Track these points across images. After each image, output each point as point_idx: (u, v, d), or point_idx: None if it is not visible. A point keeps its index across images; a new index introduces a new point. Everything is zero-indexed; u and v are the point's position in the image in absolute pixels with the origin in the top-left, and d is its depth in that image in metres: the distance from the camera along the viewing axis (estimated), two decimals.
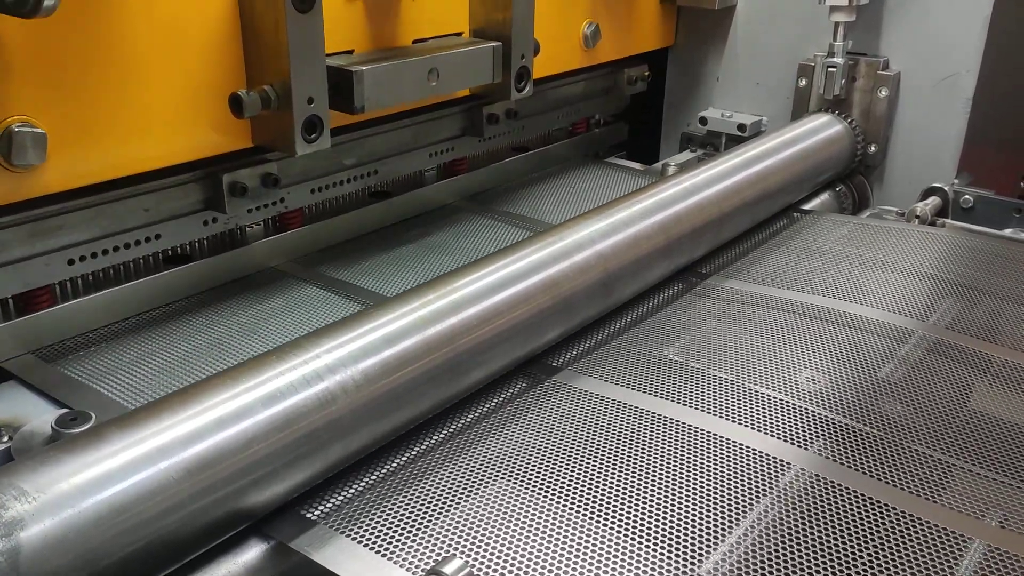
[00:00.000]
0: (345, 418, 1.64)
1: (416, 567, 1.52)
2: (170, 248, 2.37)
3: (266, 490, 1.54)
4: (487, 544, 1.57)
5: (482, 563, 1.52)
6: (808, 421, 1.98)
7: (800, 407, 2.03)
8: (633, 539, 1.60)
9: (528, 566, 1.52)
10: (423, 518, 1.64)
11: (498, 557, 1.54)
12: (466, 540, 1.58)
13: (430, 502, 1.68)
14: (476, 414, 1.99)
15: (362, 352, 1.72)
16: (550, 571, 1.51)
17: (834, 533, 1.64)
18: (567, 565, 1.52)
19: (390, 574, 1.50)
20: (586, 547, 1.57)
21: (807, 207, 3.36)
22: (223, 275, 2.51)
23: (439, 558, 1.51)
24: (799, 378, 2.15)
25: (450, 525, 1.62)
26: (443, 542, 1.57)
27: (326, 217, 2.79)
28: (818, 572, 1.54)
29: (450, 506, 1.67)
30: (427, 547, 1.56)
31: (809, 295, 2.58)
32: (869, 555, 1.59)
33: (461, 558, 1.42)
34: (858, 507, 1.71)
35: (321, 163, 2.67)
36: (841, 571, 1.55)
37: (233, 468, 1.49)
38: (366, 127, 2.73)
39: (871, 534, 1.64)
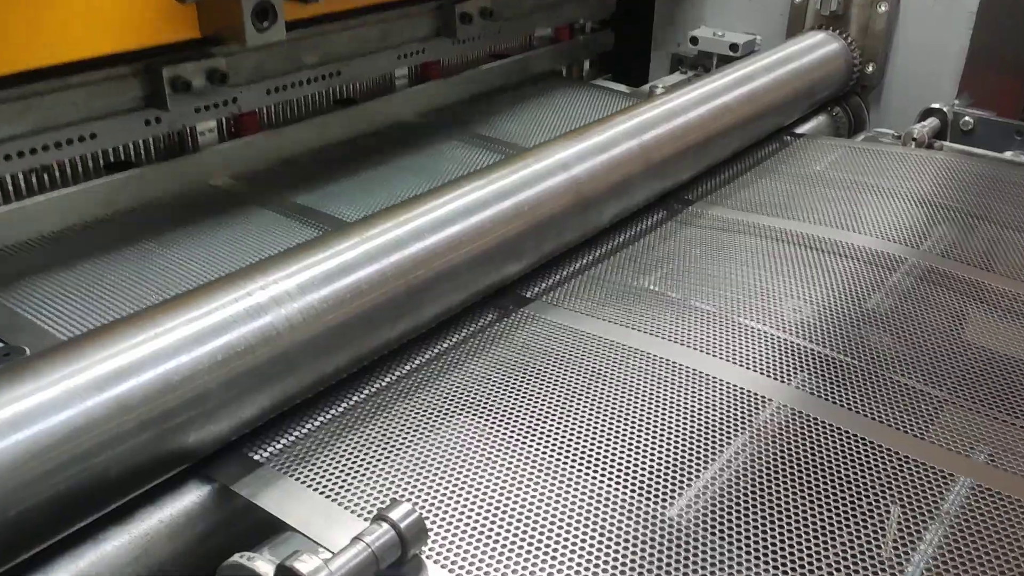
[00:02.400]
0: (290, 354, 1.53)
1: (367, 512, 1.42)
2: (112, 152, 2.21)
3: (204, 429, 1.44)
4: (443, 486, 1.48)
5: (437, 507, 1.43)
6: (790, 354, 1.87)
7: (782, 339, 1.92)
8: (600, 479, 1.50)
9: (487, 508, 1.43)
10: (376, 459, 1.54)
11: (455, 500, 1.45)
12: (421, 482, 1.49)
13: (385, 442, 1.58)
14: (439, 348, 1.89)
15: (311, 283, 1.60)
16: (510, 513, 1.42)
17: (814, 471, 1.55)
18: (529, 507, 1.43)
19: (339, 519, 1.41)
20: (550, 487, 1.48)
21: (800, 131, 3.21)
22: (171, 184, 2.34)
23: (390, 501, 1.42)
24: (783, 309, 2.04)
25: (405, 466, 1.52)
26: (397, 485, 1.48)
27: (286, 124, 2.62)
28: (796, 513, 1.45)
29: (406, 446, 1.57)
30: (380, 490, 1.47)
31: (798, 222, 2.46)
32: (851, 494, 1.50)
33: (409, 503, 1.32)
34: (840, 444, 1.62)
35: (277, 60, 2.47)
36: (821, 511, 1.46)
37: (168, 405, 1.39)
38: (327, 22, 2.53)
39: (853, 472, 1.55)
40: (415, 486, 1.48)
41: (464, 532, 1.39)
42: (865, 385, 1.79)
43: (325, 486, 1.48)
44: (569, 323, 1.97)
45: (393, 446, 1.57)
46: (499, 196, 1.96)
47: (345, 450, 1.56)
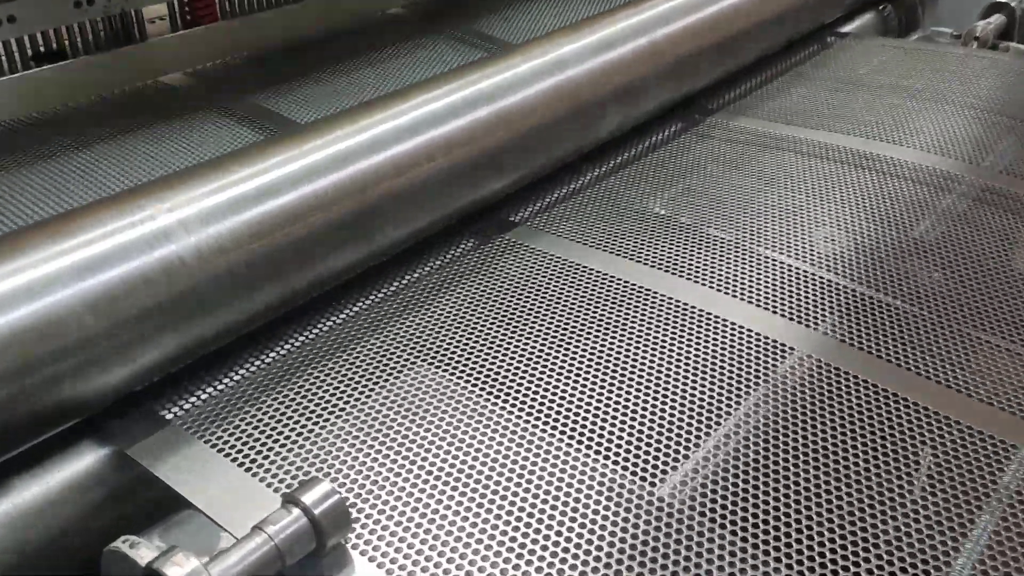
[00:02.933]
0: (201, 290, 1.26)
1: (292, 487, 1.17)
2: (41, 40, 1.91)
3: (91, 379, 1.18)
4: (388, 457, 1.21)
5: (379, 483, 1.17)
6: (820, 293, 1.57)
7: (811, 275, 1.61)
8: (587, 449, 1.23)
9: (441, 486, 1.16)
10: (309, 421, 1.28)
11: (402, 475, 1.18)
12: (361, 451, 1.22)
13: (321, 400, 1.32)
14: (398, 283, 1.60)
15: (231, 204, 1.32)
16: (471, 494, 1.15)
17: (841, 438, 1.26)
18: (496, 485, 1.16)
19: (254, 495, 1.16)
20: (524, 460, 1.20)
21: (843, 29, 2.82)
22: (112, 80, 2.03)
23: (308, 477, 1.16)
24: (814, 238, 1.72)
25: (344, 430, 1.26)
26: (330, 454, 1.22)
27: (251, 13, 2.28)
28: (819, 488, 1.17)
29: (347, 405, 1.31)
30: (309, 460, 1.21)
31: (836, 135, 2.11)
32: (886, 465, 1.21)
33: (327, 481, 1.06)
34: (874, 403, 1.32)
35: None
36: (849, 487, 1.18)
37: (46, 349, 1.13)
38: None
39: (889, 439, 1.26)
40: (353, 456, 1.21)
41: (408, 516, 1.12)
42: (908, 331, 1.48)
43: (242, 452, 1.22)
44: (559, 252, 1.67)
45: (331, 405, 1.30)
46: (475, 101, 1.65)
47: (271, 409, 1.30)
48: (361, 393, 1.32)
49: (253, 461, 1.21)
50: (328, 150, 1.45)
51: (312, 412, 1.29)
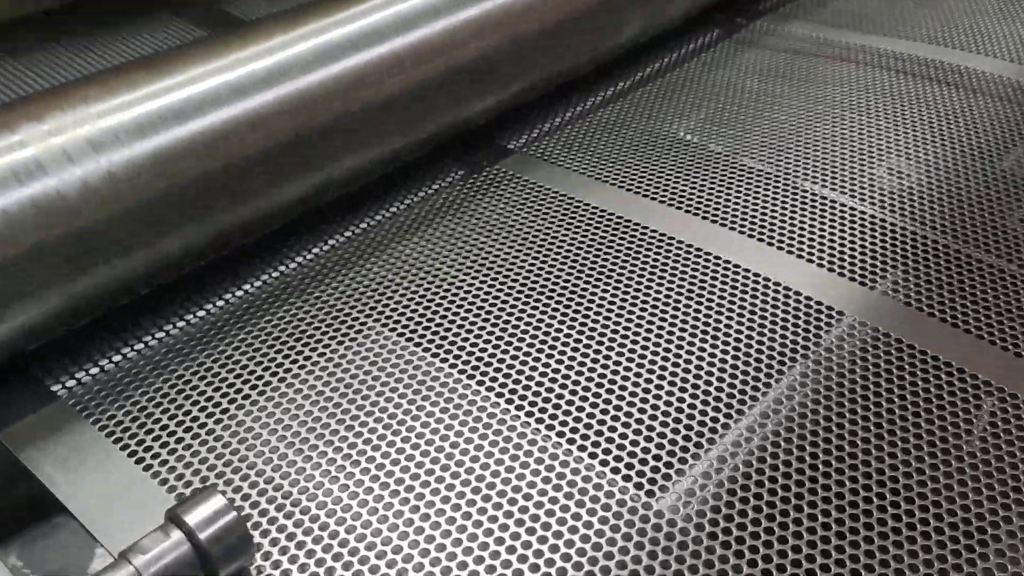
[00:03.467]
0: (89, 236, 1.00)
1: (190, 485, 0.92)
2: None
3: None
4: (326, 446, 0.96)
5: (303, 482, 0.92)
6: (880, 240, 1.26)
7: (870, 217, 1.30)
8: (583, 441, 0.96)
9: (388, 488, 0.92)
10: (228, 397, 1.03)
11: (343, 469, 0.93)
12: (288, 439, 0.97)
13: (246, 368, 1.07)
14: (360, 225, 1.33)
15: (130, 129, 1.04)
16: (428, 500, 0.90)
17: (900, 421, 0.98)
18: (461, 491, 0.91)
19: (146, 498, 0.92)
20: (500, 454, 0.96)
21: None
22: None
23: (215, 481, 0.92)
24: (877, 171, 1.40)
25: (269, 411, 1.01)
26: (249, 443, 0.97)
27: None
28: (869, 475, 0.90)
29: (278, 377, 1.05)
30: (223, 453, 0.96)
31: (907, 41, 1.76)
32: (959, 449, 0.93)
33: (220, 495, 0.81)
34: (943, 383, 1.04)
35: None
36: (909, 474, 0.90)
37: None
38: None
39: (961, 424, 0.98)
40: (277, 450, 0.96)
41: (350, 528, 0.88)
42: (989, 290, 1.17)
43: (137, 438, 0.98)
44: (560, 186, 1.39)
45: (257, 379, 1.05)
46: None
47: (183, 383, 1.05)
48: (295, 364, 1.07)
49: (149, 450, 0.96)
50: (265, 60, 1.16)
51: (232, 388, 1.04)
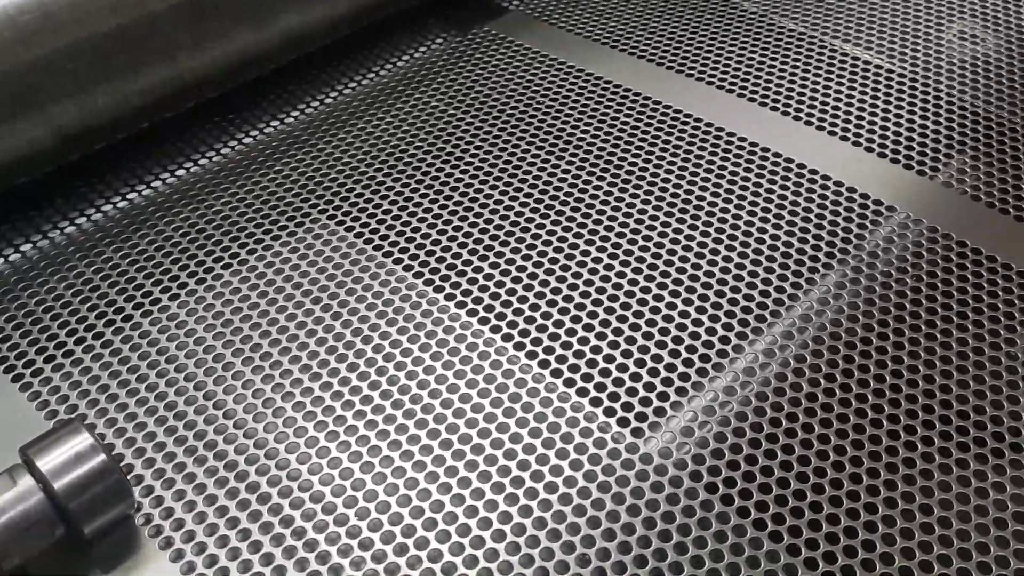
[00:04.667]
0: None
1: (75, 410, 0.76)
2: None
3: None
4: (247, 364, 0.79)
5: (221, 404, 0.76)
6: (943, 120, 1.03)
7: (936, 92, 1.06)
8: (576, 378, 0.78)
9: (320, 419, 0.75)
10: (134, 303, 0.86)
11: (272, 392, 0.77)
12: (197, 349, 0.80)
13: (160, 266, 0.89)
14: (327, 96, 1.12)
15: None
16: (383, 439, 0.74)
17: (960, 348, 0.78)
18: (455, 433, 0.74)
19: (15, 422, 0.76)
20: (476, 377, 0.78)
21: None
22: None
23: (118, 396, 0.76)
24: (944, 35, 1.15)
25: (182, 316, 0.84)
26: (152, 358, 0.81)
27: None
28: (919, 409, 0.72)
29: (195, 278, 0.88)
30: (119, 363, 0.80)
31: None
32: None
33: (85, 430, 0.64)
34: (1015, 297, 0.83)
35: None
36: (946, 385, 0.71)
37: None
38: None
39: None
40: (186, 366, 0.79)
41: (273, 467, 0.72)
42: None
43: (20, 354, 0.81)
44: (559, 53, 1.16)
45: (172, 281, 0.87)
46: None
47: (81, 283, 0.87)
48: (219, 263, 0.89)
49: (30, 365, 0.80)
50: None
51: (141, 292, 0.86)
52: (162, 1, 0.90)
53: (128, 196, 0.98)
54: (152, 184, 1.00)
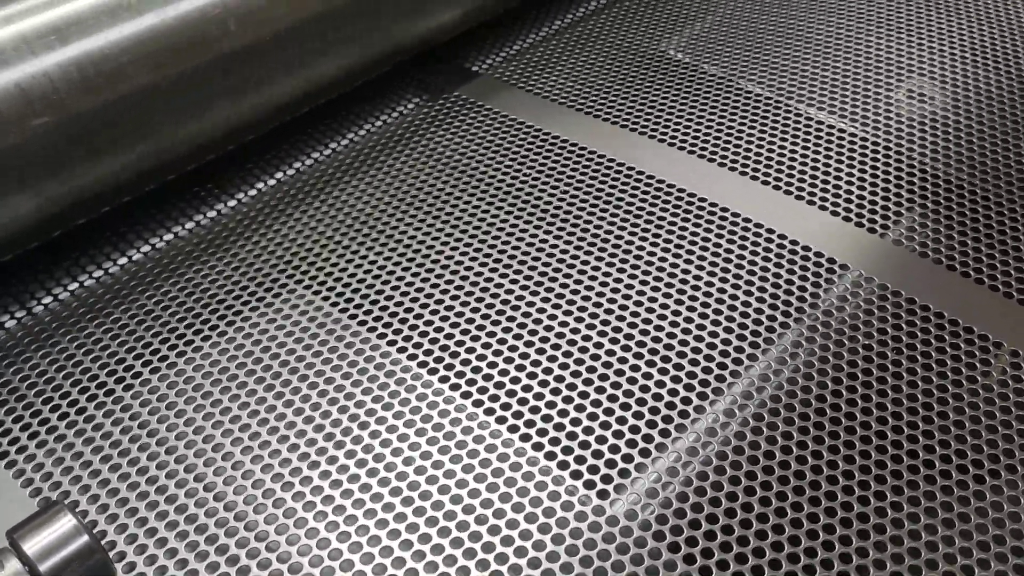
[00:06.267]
0: None
1: (58, 487, 0.79)
2: None
3: None
4: (217, 436, 0.82)
5: (203, 478, 0.78)
6: (895, 179, 1.08)
7: (885, 150, 1.11)
8: (545, 442, 0.81)
9: (308, 495, 0.77)
10: (115, 377, 0.88)
11: (248, 459, 0.80)
12: (178, 423, 0.83)
13: (141, 340, 0.92)
14: (303, 163, 1.16)
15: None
16: (370, 514, 0.76)
17: (910, 402, 0.82)
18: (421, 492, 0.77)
19: None
20: (448, 443, 0.80)
21: None
22: None
23: (100, 472, 0.78)
24: (893, 94, 1.21)
25: (163, 390, 0.86)
26: (134, 433, 0.83)
27: None
28: (871, 458, 0.75)
29: (176, 351, 0.90)
30: (102, 439, 0.82)
31: None
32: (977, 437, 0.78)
33: (71, 517, 0.67)
34: (961, 352, 0.87)
35: None
36: (912, 445, 0.75)
37: None
38: None
39: (981, 404, 0.82)
40: (167, 440, 0.82)
41: (253, 539, 0.74)
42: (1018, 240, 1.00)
43: (4, 431, 0.83)
44: (526, 116, 1.21)
45: (153, 354, 0.90)
46: None
47: (64, 359, 0.90)
48: (199, 336, 0.92)
49: (15, 443, 0.82)
50: None
51: (123, 366, 0.89)
52: (144, 78, 0.94)
53: (109, 269, 1.01)
54: (132, 257, 1.03)
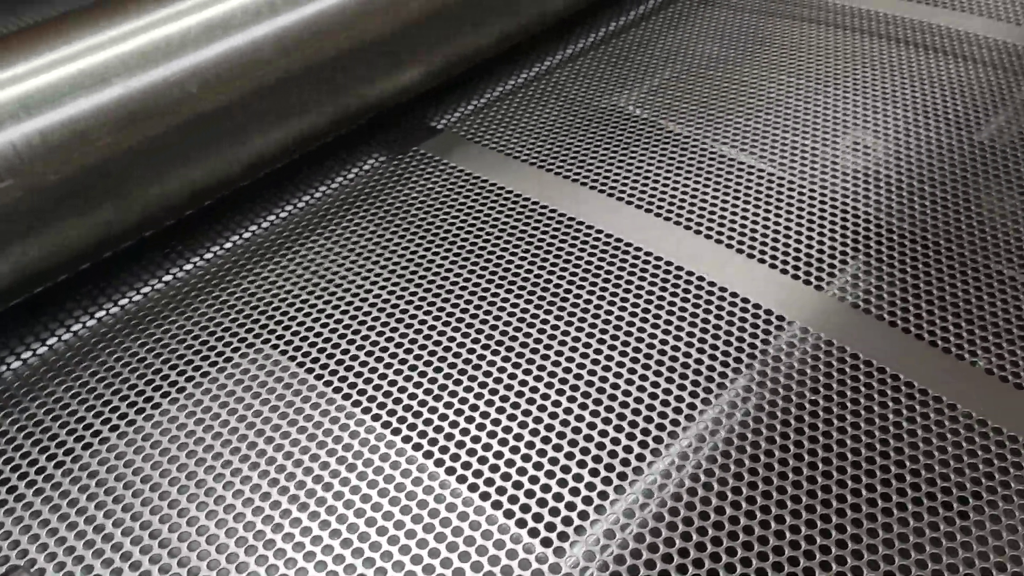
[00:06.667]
0: None
1: (27, 556, 0.80)
2: None
3: None
4: (183, 500, 0.84)
5: (167, 543, 0.80)
6: (838, 231, 1.12)
7: (830, 203, 1.16)
8: (503, 499, 0.84)
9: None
10: (75, 436, 0.90)
11: (212, 524, 0.81)
12: (144, 488, 0.85)
13: (94, 409, 0.94)
14: (264, 221, 1.19)
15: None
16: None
17: (854, 458, 0.86)
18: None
19: None
20: (410, 504, 0.82)
21: None
22: None
23: (66, 539, 0.80)
24: (840, 145, 1.26)
25: (121, 448, 0.88)
26: (97, 497, 0.85)
27: None
28: (818, 505, 0.78)
29: (135, 408, 0.92)
30: (50, 511, 0.84)
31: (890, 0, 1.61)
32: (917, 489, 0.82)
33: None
34: (903, 407, 0.91)
35: None
36: (857, 506, 0.78)
37: None
38: None
39: (920, 458, 0.86)
40: (133, 506, 0.83)
41: None
42: (962, 295, 1.04)
43: None
44: (485, 172, 1.24)
45: (112, 412, 0.92)
46: None
47: (26, 419, 0.91)
48: (163, 395, 0.93)
49: None
50: (119, 48, 1.00)
51: (83, 426, 0.91)
52: (121, 142, 0.97)
53: (73, 329, 1.03)
54: (97, 315, 1.05)
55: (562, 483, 0.84)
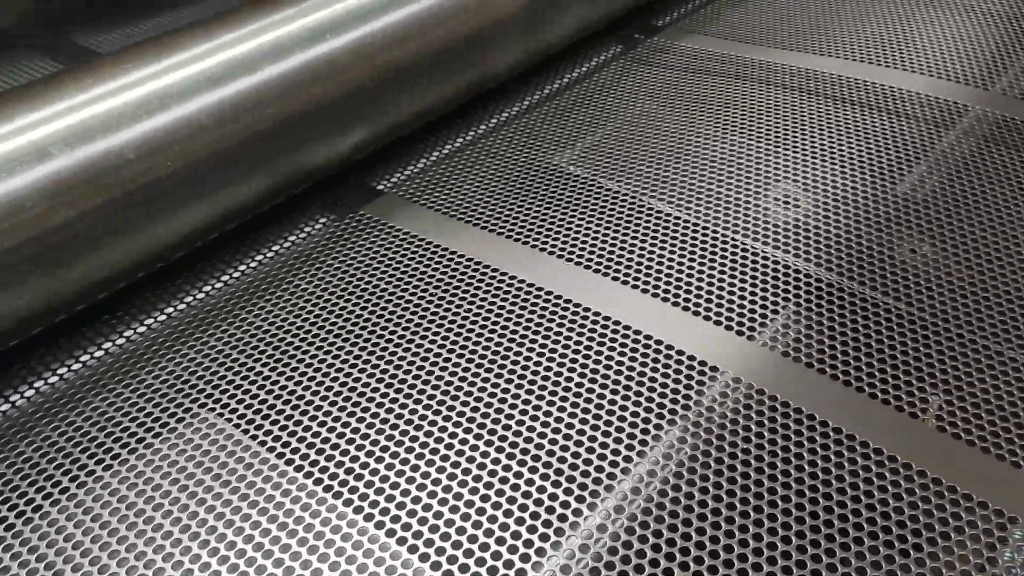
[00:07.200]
0: None
1: None
2: None
3: None
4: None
5: None
6: (769, 282, 1.16)
7: (760, 254, 1.20)
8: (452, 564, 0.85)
9: None
10: (16, 511, 0.89)
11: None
12: (84, 561, 0.85)
13: (42, 473, 0.94)
14: (209, 287, 1.20)
15: None
16: None
17: (783, 506, 0.88)
18: None
19: None
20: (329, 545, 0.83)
21: None
22: None
23: None
24: (767, 199, 1.30)
25: (61, 520, 0.88)
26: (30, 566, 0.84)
27: None
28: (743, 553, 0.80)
29: (77, 481, 0.92)
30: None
31: (810, 55, 1.67)
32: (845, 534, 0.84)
33: None
34: (831, 452, 0.94)
35: None
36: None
37: None
38: None
39: (848, 503, 0.88)
40: None
41: None
42: (887, 341, 1.08)
43: None
44: (426, 233, 1.27)
45: (54, 486, 0.92)
46: (291, 44, 1.20)
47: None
48: (101, 465, 0.93)
49: None
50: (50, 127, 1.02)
51: (24, 499, 0.90)
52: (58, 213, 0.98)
53: (12, 399, 1.03)
54: (35, 385, 1.05)
55: (500, 541, 0.86)
